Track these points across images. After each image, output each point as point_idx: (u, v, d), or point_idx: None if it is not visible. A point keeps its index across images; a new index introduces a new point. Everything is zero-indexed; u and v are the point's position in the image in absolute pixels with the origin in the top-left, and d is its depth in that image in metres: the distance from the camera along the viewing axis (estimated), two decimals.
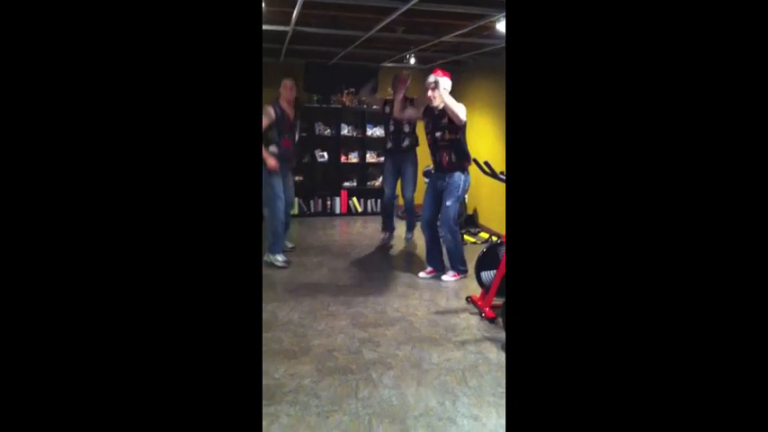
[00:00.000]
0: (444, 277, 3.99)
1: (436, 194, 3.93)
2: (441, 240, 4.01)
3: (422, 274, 4.01)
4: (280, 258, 4.21)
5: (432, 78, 3.72)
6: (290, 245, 4.75)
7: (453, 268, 4.00)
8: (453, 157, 3.76)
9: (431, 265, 4.04)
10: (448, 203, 3.83)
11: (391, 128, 4.83)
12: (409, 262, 4.59)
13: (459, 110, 3.60)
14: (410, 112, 4.20)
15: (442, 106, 3.71)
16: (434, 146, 3.83)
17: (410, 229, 5.25)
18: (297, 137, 4.37)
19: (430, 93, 3.72)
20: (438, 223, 3.97)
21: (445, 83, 3.73)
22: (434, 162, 3.91)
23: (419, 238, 5.36)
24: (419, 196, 5.08)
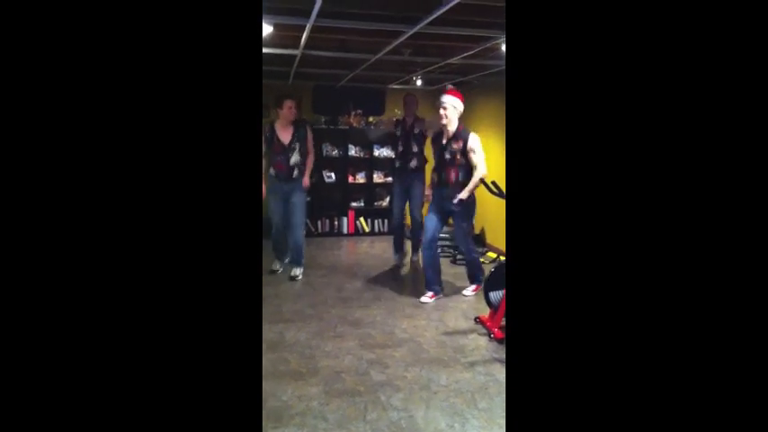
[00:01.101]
0: (466, 291, 4.07)
1: (441, 214, 3.89)
2: (464, 259, 4.09)
3: (425, 299, 3.91)
4: (275, 266, 4.62)
5: (443, 99, 3.73)
6: (277, 266, 4.67)
7: (477, 280, 4.08)
8: (461, 175, 3.75)
9: (431, 289, 3.95)
10: (464, 224, 3.87)
11: (400, 148, 4.80)
12: (417, 283, 4.57)
13: (481, 169, 3.69)
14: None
15: (452, 128, 3.74)
16: (442, 164, 3.82)
17: (416, 250, 5.21)
18: (295, 158, 4.25)
19: (442, 112, 3.72)
20: (438, 244, 4.03)
21: (456, 103, 3.73)
22: (439, 179, 3.87)
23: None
24: None
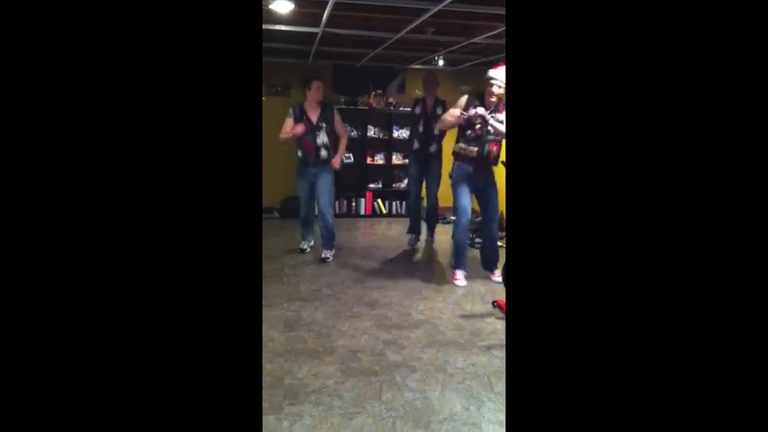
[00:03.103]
0: (496, 278, 3.90)
1: (472, 192, 3.76)
2: (492, 238, 3.89)
3: (460, 282, 3.85)
4: (303, 245, 4.67)
5: (491, 73, 3.50)
6: (304, 245, 4.72)
7: (497, 266, 3.95)
8: (498, 149, 3.62)
9: (463, 269, 3.92)
10: (498, 200, 3.74)
11: (420, 128, 4.71)
12: (434, 265, 4.56)
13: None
14: (451, 120, 3.75)
15: (497, 102, 3.56)
16: (482, 138, 3.57)
17: (432, 231, 5.19)
18: (322, 138, 4.23)
19: (495, 90, 3.49)
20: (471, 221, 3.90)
21: (501, 75, 3.47)
22: (479, 155, 3.60)
23: (441, 242, 5.34)
24: (442, 199, 5.03)
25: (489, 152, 3.61)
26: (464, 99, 3.71)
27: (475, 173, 3.70)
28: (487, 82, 3.53)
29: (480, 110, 3.49)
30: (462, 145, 3.69)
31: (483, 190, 3.76)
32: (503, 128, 3.50)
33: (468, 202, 3.74)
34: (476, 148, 3.62)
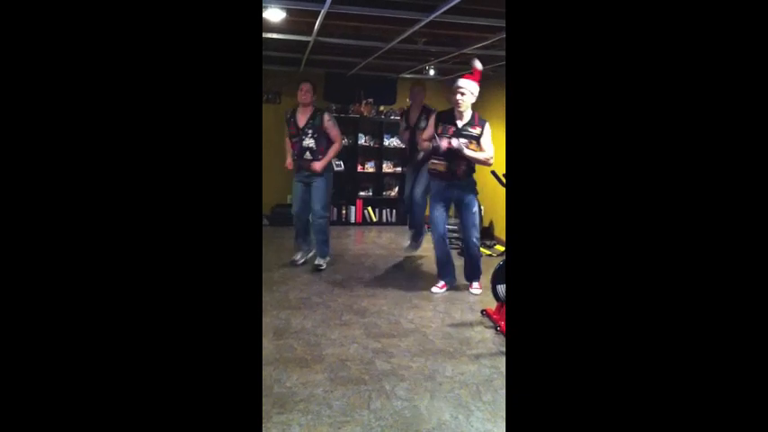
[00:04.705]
0: (474, 290, 3.93)
1: (447, 206, 3.86)
2: (467, 249, 3.91)
3: (435, 289, 3.91)
4: (295, 257, 4.50)
5: (460, 83, 3.61)
6: (297, 257, 4.53)
7: (477, 278, 3.98)
8: (467, 166, 3.68)
9: (444, 279, 3.96)
10: (474, 209, 3.77)
11: (404, 145, 4.77)
12: (423, 273, 4.56)
13: (489, 153, 3.60)
14: (425, 146, 3.90)
15: (467, 114, 3.64)
16: (450, 154, 3.59)
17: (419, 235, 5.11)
18: (308, 141, 4.16)
19: (459, 98, 3.59)
20: (451, 232, 3.94)
21: (473, 88, 3.61)
22: (446, 171, 3.67)
23: (428, 249, 5.34)
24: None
25: (457, 168, 3.65)
26: (433, 118, 3.83)
27: (447, 188, 3.76)
28: (455, 90, 3.61)
29: (454, 142, 3.55)
30: (433, 160, 3.78)
31: (458, 205, 3.85)
32: (482, 155, 3.60)
33: (439, 215, 3.82)
34: (444, 163, 3.68)
